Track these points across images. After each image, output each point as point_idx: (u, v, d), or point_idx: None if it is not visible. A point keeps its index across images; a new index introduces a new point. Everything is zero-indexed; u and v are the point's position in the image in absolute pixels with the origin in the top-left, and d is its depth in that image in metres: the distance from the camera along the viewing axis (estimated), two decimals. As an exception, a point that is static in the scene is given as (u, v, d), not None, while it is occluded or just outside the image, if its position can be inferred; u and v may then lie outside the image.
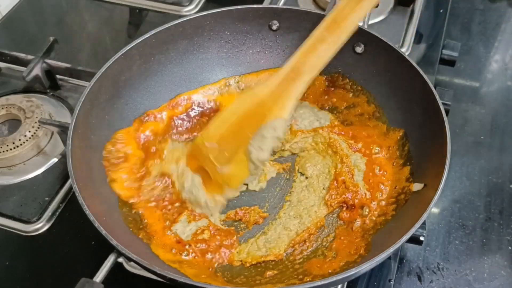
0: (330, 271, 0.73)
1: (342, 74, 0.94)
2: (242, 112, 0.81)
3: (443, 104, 0.78)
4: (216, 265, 0.77)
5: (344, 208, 0.82)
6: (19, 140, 0.91)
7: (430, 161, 0.77)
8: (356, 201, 0.82)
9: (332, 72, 0.95)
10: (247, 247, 0.79)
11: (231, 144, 0.80)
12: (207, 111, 0.95)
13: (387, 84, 0.89)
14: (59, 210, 0.87)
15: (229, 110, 0.83)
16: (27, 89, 1.04)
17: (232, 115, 0.82)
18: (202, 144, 0.82)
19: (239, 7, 0.93)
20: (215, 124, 0.83)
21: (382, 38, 0.87)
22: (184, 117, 0.94)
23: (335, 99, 0.95)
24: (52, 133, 0.95)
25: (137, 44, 0.87)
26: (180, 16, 0.96)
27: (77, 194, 0.69)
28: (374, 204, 0.80)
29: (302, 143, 0.90)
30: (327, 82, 0.95)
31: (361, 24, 0.91)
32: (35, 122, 0.93)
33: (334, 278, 0.62)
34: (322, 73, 0.95)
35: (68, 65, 1.04)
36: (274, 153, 0.90)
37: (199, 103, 0.95)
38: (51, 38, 1.04)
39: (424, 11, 1.16)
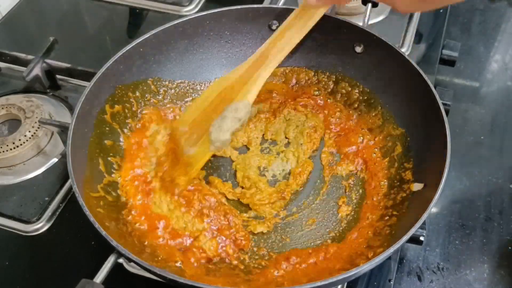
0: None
1: (342, 74, 0.94)
2: (213, 97, 0.85)
3: (443, 104, 0.78)
4: None
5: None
6: (19, 140, 0.91)
7: (430, 161, 0.77)
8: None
9: (332, 71, 0.95)
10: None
11: (200, 128, 0.84)
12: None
13: (387, 84, 0.89)
14: (59, 210, 0.87)
15: (203, 96, 0.88)
16: (27, 89, 1.04)
17: (205, 100, 0.86)
18: (176, 129, 0.87)
19: (239, 7, 0.93)
20: (189, 110, 0.88)
21: (382, 38, 0.87)
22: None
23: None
24: (52, 133, 0.95)
25: (137, 44, 0.87)
26: (180, 16, 0.96)
27: (77, 195, 0.69)
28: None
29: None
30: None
31: (361, 24, 0.91)
32: (35, 122, 0.93)
33: (334, 279, 0.62)
34: (322, 72, 0.96)
35: (68, 65, 1.04)
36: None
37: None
38: (51, 38, 1.04)
39: (424, 11, 1.16)
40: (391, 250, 0.64)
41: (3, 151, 0.90)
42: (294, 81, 0.97)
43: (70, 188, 0.88)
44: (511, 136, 1.00)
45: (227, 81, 0.86)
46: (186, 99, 0.95)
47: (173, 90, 0.94)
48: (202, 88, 0.96)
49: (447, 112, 0.78)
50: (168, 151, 0.86)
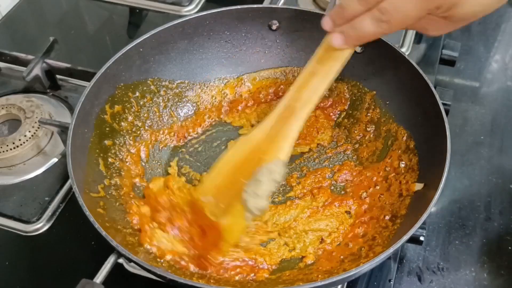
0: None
1: (342, 73, 0.94)
2: (236, 161, 0.77)
3: (443, 104, 0.78)
4: None
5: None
6: (19, 140, 0.91)
7: (430, 161, 0.77)
8: None
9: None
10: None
11: (226, 195, 0.76)
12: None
13: (387, 84, 0.89)
14: (59, 210, 0.87)
15: (224, 161, 0.79)
16: (27, 89, 1.04)
17: (227, 165, 0.78)
18: (197, 199, 0.78)
19: (239, 7, 0.93)
20: (210, 177, 0.79)
21: (382, 38, 0.87)
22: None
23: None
24: (52, 133, 0.95)
25: (137, 44, 0.87)
26: (180, 16, 0.96)
27: (77, 195, 0.69)
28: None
29: None
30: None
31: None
32: (35, 122, 0.93)
33: (334, 279, 0.62)
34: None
35: (68, 65, 1.04)
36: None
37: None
38: (51, 38, 1.04)
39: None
40: (391, 250, 0.64)
41: (3, 151, 0.90)
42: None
43: (70, 188, 0.88)
44: (511, 136, 1.00)
45: (250, 141, 0.77)
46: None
47: (173, 90, 0.94)
48: (202, 88, 0.96)
49: (447, 112, 0.78)
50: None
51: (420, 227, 0.66)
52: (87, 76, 0.99)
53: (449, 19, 0.66)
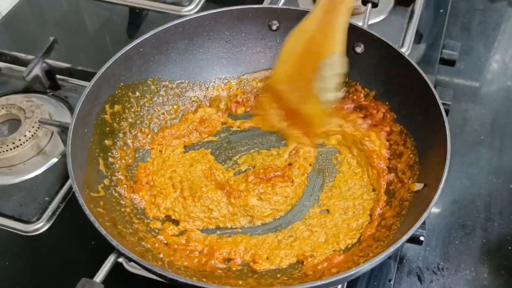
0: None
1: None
2: (298, 51, 0.83)
3: (443, 104, 0.78)
4: None
5: None
6: (19, 140, 0.91)
7: (430, 161, 0.77)
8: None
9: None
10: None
11: (299, 83, 0.83)
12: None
13: (387, 84, 0.89)
14: (59, 210, 0.87)
15: (286, 50, 0.85)
16: (27, 89, 1.04)
17: (290, 55, 0.84)
18: (274, 88, 0.86)
19: (239, 7, 0.93)
20: (278, 66, 0.87)
21: (382, 38, 0.87)
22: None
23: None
24: (52, 133, 0.95)
25: (137, 44, 0.87)
26: (180, 16, 0.96)
27: (77, 195, 0.69)
28: None
29: None
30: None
31: (361, 24, 0.91)
32: (35, 122, 0.93)
33: (334, 278, 0.62)
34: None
35: (68, 65, 1.04)
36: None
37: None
38: (51, 38, 1.04)
39: (424, 11, 1.16)
40: (391, 249, 0.64)
41: (3, 151, 0.90)
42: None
43: (70, 188, 0.88)
44: (511, 136, 1.00)
45: (304, 33, 0.82)
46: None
47: (173, 90, 0.94)
48: (202, 88, 0.96)
49: (447, 112, 0.78)
50: None
51: (420, 227, 0.66)
52: (87, 76, 0.99)
53: None
